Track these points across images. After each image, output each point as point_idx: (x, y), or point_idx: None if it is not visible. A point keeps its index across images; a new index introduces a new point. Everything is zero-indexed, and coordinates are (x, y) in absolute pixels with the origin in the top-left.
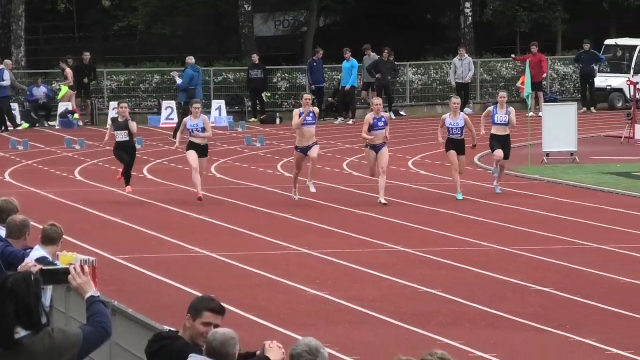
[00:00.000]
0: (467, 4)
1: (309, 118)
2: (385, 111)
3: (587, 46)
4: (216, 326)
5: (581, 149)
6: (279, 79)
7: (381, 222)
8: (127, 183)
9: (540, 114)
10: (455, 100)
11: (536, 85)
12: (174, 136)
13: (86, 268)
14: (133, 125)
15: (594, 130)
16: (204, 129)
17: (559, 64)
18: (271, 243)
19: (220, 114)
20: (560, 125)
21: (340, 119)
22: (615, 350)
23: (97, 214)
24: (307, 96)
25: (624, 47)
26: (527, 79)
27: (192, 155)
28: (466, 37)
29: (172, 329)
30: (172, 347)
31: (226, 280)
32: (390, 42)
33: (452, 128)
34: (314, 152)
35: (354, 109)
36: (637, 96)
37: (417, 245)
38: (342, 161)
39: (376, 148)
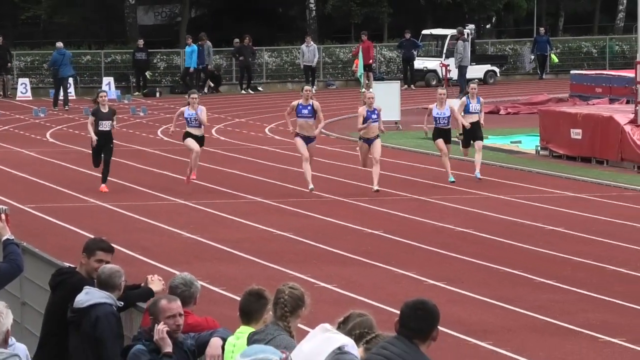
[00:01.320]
0: (312, 0)
1: (305, 111)
2: (246, 88)
3: (407, 35)
4: (107, 263)
5: (403, 119)
6: (159, 60)
7: (244, 179)
8: (104, 181)
9: (370, 90)
10: (442, 91)
11: (367, 67)
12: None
13: (2, 216)
14: (115, 121)
15: (413, 103)
16: (199, 118)
17: (385, 49)
18: (152, 195)
19: (110, 89)
20: (386, 100)
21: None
22: (431, 281)
23: (9, 170)
24: (308, 88)
25: (437, 36)
26: (360, 62)
27: (190, 140)
28: (311, 27)
29: (72, 265)
30: (71, 281)
31: (115, 225)
32: (249, 30)
33: (439, 118)
34: (313, 146)
35: (199, 86)
36: (448, 76)
37: (273, 197)
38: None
39: (369, 141)
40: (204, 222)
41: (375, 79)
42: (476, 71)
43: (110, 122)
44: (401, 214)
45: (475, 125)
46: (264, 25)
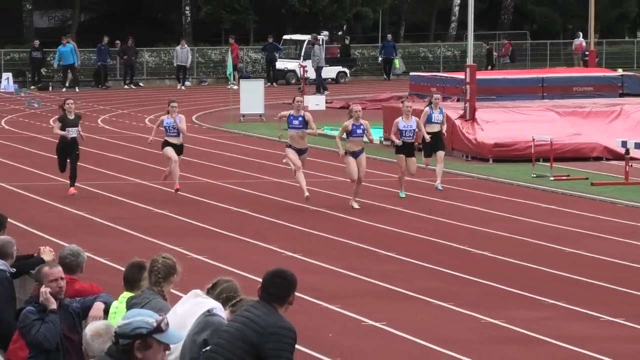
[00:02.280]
0: (187, 7)
1: (296, 122)
2: (129, 83)
3: (270, 39)
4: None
5: (267, 112)
6: (52, 58)
7: (126, 163)
8: (72, 184)
9: (235, 87)
10: (408, 104)
11: (235, 67)
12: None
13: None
14: (79, 129)
15: (275, 99)
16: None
17: (251, 52)
18: (45, 177)
19: (8, 83)
20: (252, 95)
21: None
22: (289, 253)
23: None
24: (299, 99)
25: (296, 41)
26: (229, 62)
27: (169, 150)
28: (187, 31)
29: None
30: None
31: (11, 203)
32: (133, 32)
33: (405, 131)
34: (305, 158)
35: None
36: (305, 75)
37: (150, 179)
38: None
39: (355, 154)
40: (92, 201)
41: (241, 77)
42: (330, 72)
43: (77, 128)
44: (265, 195)
45: (437, 135)
46: (145, 29)
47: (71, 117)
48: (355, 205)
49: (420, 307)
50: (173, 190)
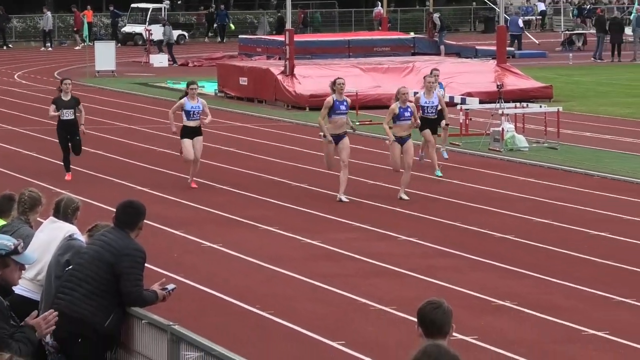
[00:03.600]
0: None
1: (342, 107)
2: (0, 45)
3: (111, 7)
4: None
5: (118, 69)
6: None
7: None
8: (67, 170)
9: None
10: (431, 79)
11: (78, 31)
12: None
13: None
14: (81, 107)
15: (125, 57)
16: (202, 111)
17: (104, 17)
18: None
19: None
20: (105, 54)
21: None
22: (140, 188)
23: None
24: (341, 81)
25: (142, 9)
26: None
27: (187, 145)
28: (49, 0)
29: None
30: None
31: None
32: (2, 2)
33: (427, 107)
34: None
35: None
36: (150, 37)
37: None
38: None
39: (337, 138)
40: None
41: (95, 39)
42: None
43: (73, 110)
44: (113, 138)
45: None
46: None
47: (66, 98)
48: (405, 197)
49: (250, 231)
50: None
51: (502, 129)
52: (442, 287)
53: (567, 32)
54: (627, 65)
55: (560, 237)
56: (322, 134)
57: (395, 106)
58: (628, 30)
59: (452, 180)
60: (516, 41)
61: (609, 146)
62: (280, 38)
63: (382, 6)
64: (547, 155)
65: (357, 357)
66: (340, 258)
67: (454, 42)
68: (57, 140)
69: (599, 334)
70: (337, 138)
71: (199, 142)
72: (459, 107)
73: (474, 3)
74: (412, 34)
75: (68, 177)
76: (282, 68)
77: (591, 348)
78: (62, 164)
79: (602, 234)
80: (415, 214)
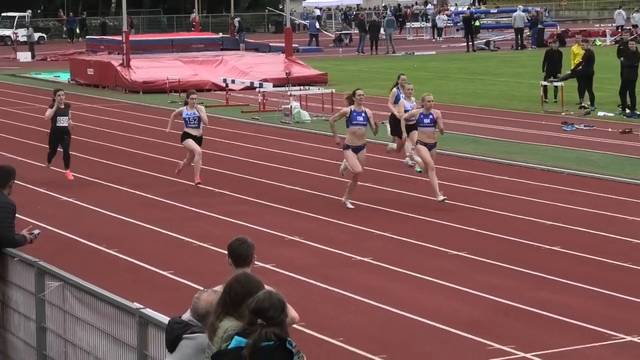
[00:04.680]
0: None
1: (360, 119)
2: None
3: None
4: None
5: None
6: None
7: None
8: (67, 167)
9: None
10: (409, 86)
11: None
12: None
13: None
14: (69, 114)
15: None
16: (199, 119)
17: None
18: None
19: None
20: None
21: None
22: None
23: None
24: (360, 92)
25: (11, 17)
26: None
27: (190, 142)
28: None
29: None
30: None
31: None
32: None
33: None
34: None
35: None
36: (17, 39)
37: None
38: None
39: (357, 149)
40: None
41: None
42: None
43: (67, 117)
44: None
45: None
46: None
47: (61, 106)
48: (441, 198)
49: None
50: (194, 184)
51: (291, 106)
52: (242, 226)
53: (337, 32)
54: (382, 57)
55: (325, 184)
56: (335, 138)
57: (416, 111)
58: (382, 30)
59: (251, 145)
60: (314, 38)
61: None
62: (119, 38)
63: (196, 13)
64: (324, 125)
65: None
66: (169, 207)
67: (252, 40)
68: (48, 144)
69: (366, 259)
70: (357, 149)
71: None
72: (257, 90)
73: (267, 10)
74: (220, 34)
75: (69, 175)
76: (121, 61)
77: (359, 271)
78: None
79: (347, 181)
80: (233, 173)
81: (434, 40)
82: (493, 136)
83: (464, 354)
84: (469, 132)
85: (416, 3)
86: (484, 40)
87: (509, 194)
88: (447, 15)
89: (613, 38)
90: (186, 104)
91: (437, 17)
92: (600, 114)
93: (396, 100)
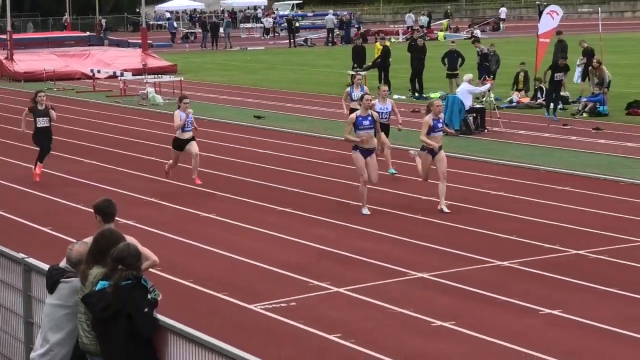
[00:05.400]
0: None
1: (366, 123)
2: None
3: None
4: None
5: None
6: None
7: None
8: (40, 162)
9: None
10: (384, 87)
11: None
12: None
13: None
14: (53, 113)
15: None
16: (192, 122)
17: None
18: None
19: None
20: None
21: None
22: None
23: None
24: (368, 97)
25: None
26: None
27: (177, 153)
28: None
29: None
30: None
31: None
32: None
33: (381, 113)
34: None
35: None
36: None
37: None
38: None
39: (365, 153)
40: None
41: None
42: None
43: (47, 118)
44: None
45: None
46: None
47: (41, 107)
48: (445, 209)
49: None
50: (195, 185)
51: (147, 91)
52: (107, 190)
53: (183, 30)
54: (221, 51)
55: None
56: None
57: (429, 118)
58: (222, 30)
59: (112, 124)
60: (173, 36)
61: (215, 100)
62: (3, 36)
63: (68, 15)
64: (174, 107)
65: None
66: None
67: (114, 38)
68: (35, 144)
69: (211, 215)
70: (366, 153)
71: (194, 144)
72: (119, 78)
73: (126, 13)
74: (87, 33)
75: (39, 169)
76: (6, 55)
77: (205, 225)
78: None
79: (244, 160)
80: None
81: (262, 38)
82: (313, 115)
83: (290, 290)
84: (295, 112)
85: (247, 8)
86: (303, 38)
87: (325, 161)
88: (273, 18)
89: (404, 36)
90: (179, 107)
91: (265, 19)
92: (395, 97)
93: (350, 97)
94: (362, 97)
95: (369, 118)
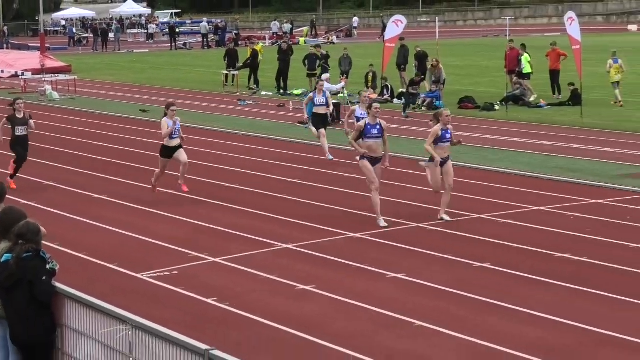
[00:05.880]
0: None
1: (374, 131)
2: None
3: None
4: None
5: None
6: None
7: None
8: (13, 176)
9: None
10: (366, 94)
11: None
12: None
13: None
14: (32, 123)
15: None
16: (179, 130)
17: None
18: None
19: None
20: None
21: None
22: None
23: None
24: (377, 105)
25: None
26: None
27: (165, 161)
28: None
29: None
30: None
31: None
32: None
33: (363, 117)
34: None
35: None
36: None
37: None
38: None
39: (373, 162)
40: None
41: None
42: None
43: (25, 127)
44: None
45: (325, 115)
46: None
47: (20, 116)
48: (447, 218)
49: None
50: (182, 192)
51: (45, 89)
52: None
53: (78, 34)
54: (111, 54)
55: (61, 141)
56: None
57: (437, 128)
58: (112, 35)
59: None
60: (71, 40)
61: (106, 96)
62: None
63: None
64: (71, 102)
65: None
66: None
67: (16, 42)
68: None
69: (103, 197)
70: (374, 161)
71: (182, 152)
72: (20, 77)
73: (26, 20)
74: None
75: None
76: None
77: (94, 206)
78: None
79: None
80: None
81: (147, 42)
82: (192, 109)
83: (169, 260)
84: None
85: (134, 16)
86: (183, 42)
87: (204, 148)
88: (156, 25)
89: (270, 41)
90: (165, 115)
91: (149, 26)
92: (264, 93)
93: (313, 102)
94: (370, 106)
95: (378, 127)
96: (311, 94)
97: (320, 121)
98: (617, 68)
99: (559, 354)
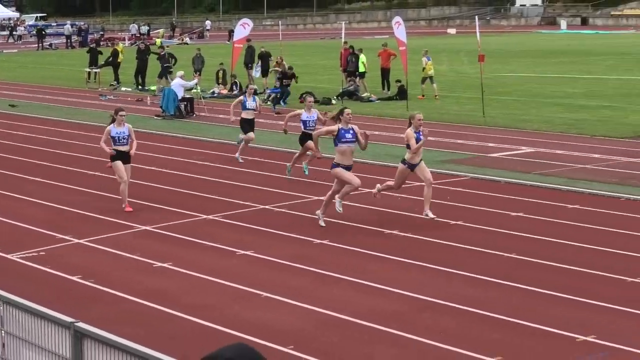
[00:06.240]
0: None
1: (348, 136)
2: None
3: None
4: None
5: None
6: None
7: None
8: None
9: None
10: (310, 99)
11: None
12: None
13: None
14: None
15: None
16: (129, 137)
17: None
18: None
19: None
20: None
21: None
22: None
23: None
24: (348, 111)
25: None
26: None
27: (119, 167)
28: None
29: None
30: None
31: None
32: None
33: (307, 121)
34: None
35: None
36: None
37: None
38: None
39: (412, 166)
40: None
41: None
42: None
43: None
44: None
45: (253, 121)
46: None
47: None
48: (430, 214)
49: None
50: (125, 210)
51: None
52: None
53: None
54: (51, 53)
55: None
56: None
57: (411, 131)
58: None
59: None
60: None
61: (52, 101)
62: None
63: None
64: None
65: None
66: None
67: None
68: None
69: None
70: (347, 168)
71: (129, 168)
72: None
73: None
74: None
75: None
76: None
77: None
78: None
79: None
80: None
81: (16, 43)
82: (58, 104)
83: (40, 242)
84: (44, 101)
85: (3, 19)
86: (49, 43)
87: (66, 139)
88: (24, 27)
89: (129, 42)
90: (113, 120)
91: (17, 28)
92: (124, 89)
93: (243, 106)
94: (341, 111)
95: (351, 131)
96: (241, 97)
97: (249, 125)
98: (430, 65)
99: (390, 319)
